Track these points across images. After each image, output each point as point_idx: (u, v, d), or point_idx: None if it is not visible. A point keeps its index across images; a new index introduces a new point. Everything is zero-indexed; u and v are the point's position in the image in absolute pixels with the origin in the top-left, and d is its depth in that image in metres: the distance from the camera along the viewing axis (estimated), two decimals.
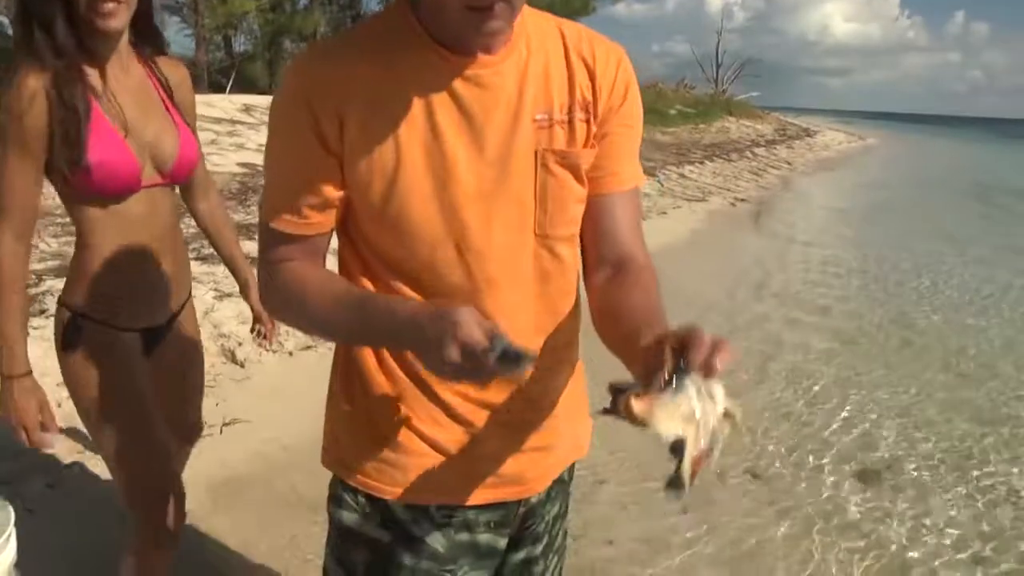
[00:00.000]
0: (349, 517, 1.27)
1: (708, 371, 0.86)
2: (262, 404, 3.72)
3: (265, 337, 2.32)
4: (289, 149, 1.13)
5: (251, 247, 5.69)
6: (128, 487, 1.93)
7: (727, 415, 0.89)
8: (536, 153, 1.14)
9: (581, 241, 1.27)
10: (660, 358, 0.89)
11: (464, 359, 0.91)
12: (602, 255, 1.24)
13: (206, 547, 2.60)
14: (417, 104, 1.09)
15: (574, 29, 1.21)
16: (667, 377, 0.87)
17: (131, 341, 1.89)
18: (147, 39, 1.83)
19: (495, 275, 1.15)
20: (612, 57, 1.21)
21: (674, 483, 0.88)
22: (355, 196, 1.12)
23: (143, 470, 1.90)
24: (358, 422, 1.26)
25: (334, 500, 1.29)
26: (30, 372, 1.77)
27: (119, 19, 1.63)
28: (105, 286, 1.81)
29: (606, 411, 0.92)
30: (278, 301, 1.24)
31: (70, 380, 1.86)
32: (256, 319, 2.31)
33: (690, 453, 0.86)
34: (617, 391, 0.90)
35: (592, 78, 1.18)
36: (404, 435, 1.22)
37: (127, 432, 1.87)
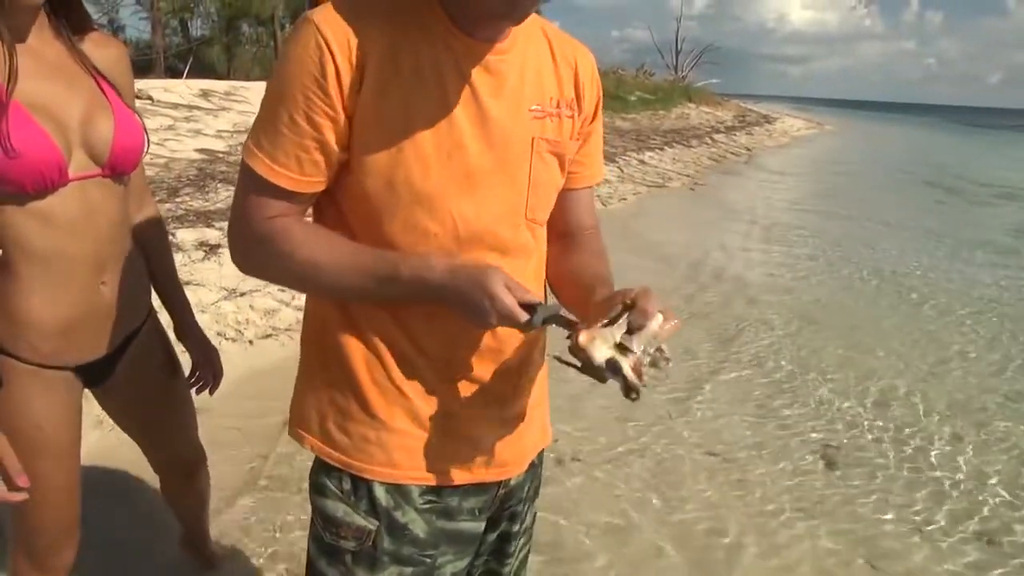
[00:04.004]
0: (334, 506, 1.26)
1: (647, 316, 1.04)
2: (222, 393, 3.68)
3: (204, 386, 1.99)
4: (305, 101, 1.08)
5: (212, 235, 5.60)
6: (18, 530, 1.70)
7: (658, 350, 1.06)
8: (532, 141, 1.21)
9: (548, 224, 1.37)
10: (611, 304, 1.08)
11: (504, 323, 1.09)
12: (562, 232, 1.39)
13: (168, 535, 2.57)
14: (430, 77, 1.12)
15: (553, 29, 1.30)
16: (611, 316, 1.06)
17: (61, 381, 1.60)
18: (68, 15, 1.54)
19: (486, 255, 1.20)
20: (588, 61, 1.32)
21: (627, 392, 1.04)
22: (360, 157, 1.12)
23: (35, 530, 1.68)
24: (337, 401, 1.26)
25: (316, 488, 1.29)
26: None
27: None
28: (29, 315, 1.50)
29: (562, 355, 1.08)
30: (263, 257, 1.18)
31: None
32: (195, 366, 1.97)
33: (627, 365, 1.03)
34: (568, 325, 1.08)
35: (576, 80, 1.29)
36: (386, 412, 1.24)
37: (29, 488, 1.55)
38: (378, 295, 1.17)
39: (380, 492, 1.24)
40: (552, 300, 1.16)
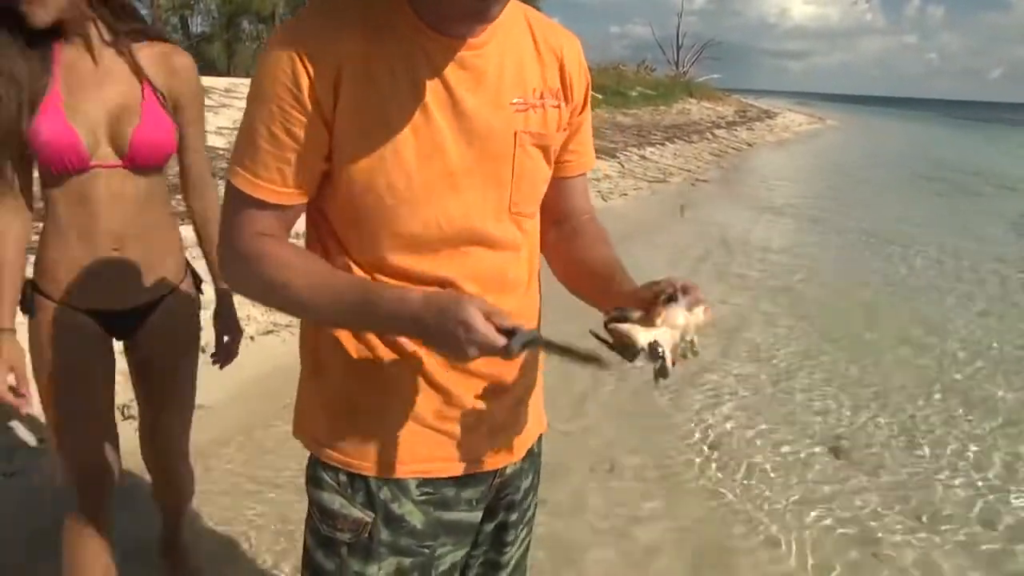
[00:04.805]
0: (330, 498, 1.27)
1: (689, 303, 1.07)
2: (223, 389, 3.69)
3: (216, 361, 2.18)
4: (281, 114, 1.09)
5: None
6: (62, 460, 1.96)
7: (691, 342, 1.09)
8: (515, 134, 1.20)
9: (541, 211, 1.36)
10: (652, 293, 1.09)
11: (481, 353, 1.04)
12: (558, 220, 1.39)
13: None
14: (405, 81, 1.11)
15: (537, 17, 1.27)
16: (662, 298, 1.08)
17: (83, 322, 1.88)
18: (124, 22, 1.80)
19: (473, 250, 1.20)
20: (574, 48, 1.30)
21: (660, 373, 1.06)
22: (341, 167, 1.13)
23: (73, 446, 1.93)
24: (333, 397, 1.27)
25: (313, 481, 1.29)
26: (10, 330, 1.81)
27: (43, 13, 1.64)
28: (55, 263, 1.84)
29: (602, 337, 1.09)
30: (246, 275, 1.19)
31: (28, 345, 1.89)
32: (222, 333, 2.17)
33: (668, 350, 1.05)
34: (610, 319, 1.08)
35: (561, 68, 1.26)
36: (381, 406, 1.24)
37: (61, 406, 1.90)
38: (354, 324, 1.18)
39: (376, 485, 1.25)
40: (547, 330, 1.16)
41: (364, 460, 1.25)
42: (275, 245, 1.16)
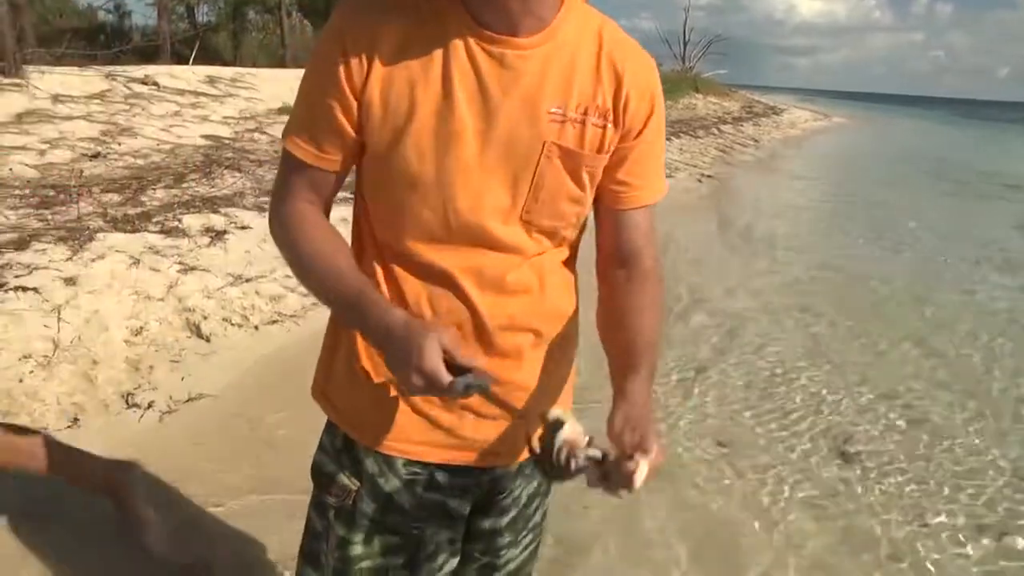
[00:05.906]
0: (325, 461, 1.34)
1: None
2: (228, 378, 3.70)
3: None
4: (319, 81, 1.17)
5: (217, 220, 5.59)
6: None
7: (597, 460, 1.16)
8: (544, 144, 1.18)
9: (599, 242, 1.35)
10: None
11: (425, 385, 1.05)
12: (614, 255, 1.34)
13: (175, 521, 2.57)
14: (438, 67, 1.14)
15: (613, 34, 1.24)
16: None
17: None
18: None
19: (473, 250, 1.21)
20: (643, 72, 1.24)
21: (549, 468, 1.13)
22: (367, 141, 1.18)
23: None
24: (342, 363, 1.31)
25: (320, 443, 1.37)
26: None
27: None
28: None
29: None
30: (280, 231, 1.25)
31: None
32: None
33: (564, 436, 1.11)
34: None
35: (619, 88, 1.22)
36: (377, 384, 1.27)
37: None
38: (338, 306, 1.22)
39: (366, 457, 1.29)
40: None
41: (357, 428, 1.30)
42: (310, 212, 1.23)
